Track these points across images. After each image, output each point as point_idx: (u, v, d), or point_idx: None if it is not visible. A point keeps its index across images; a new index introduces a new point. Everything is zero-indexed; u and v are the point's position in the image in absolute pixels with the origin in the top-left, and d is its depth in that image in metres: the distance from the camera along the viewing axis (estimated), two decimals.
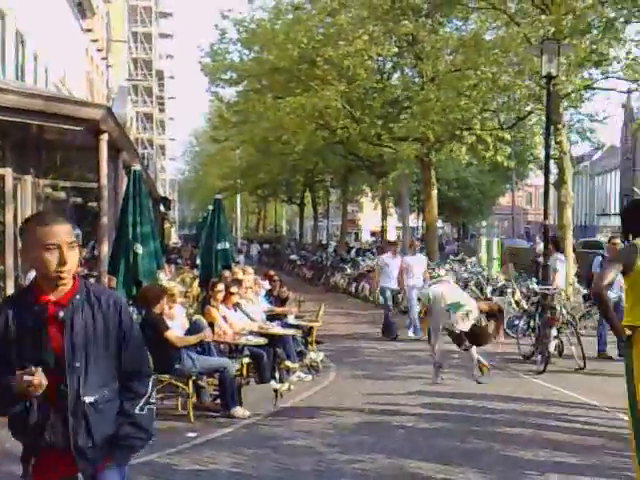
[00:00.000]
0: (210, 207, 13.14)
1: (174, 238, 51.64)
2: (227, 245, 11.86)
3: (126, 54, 43.95)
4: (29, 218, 2.99)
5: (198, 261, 13.10)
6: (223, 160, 40.76)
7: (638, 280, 4.88)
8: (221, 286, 9.33)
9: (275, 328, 9.81)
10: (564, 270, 12.93)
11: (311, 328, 11.15)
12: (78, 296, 2.84)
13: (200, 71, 26.09)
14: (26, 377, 2.66)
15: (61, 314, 2.79)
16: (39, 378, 2.66)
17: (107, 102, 29.25)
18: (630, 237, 5.11)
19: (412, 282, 13.97)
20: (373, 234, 60.15)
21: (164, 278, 11.34)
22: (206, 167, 51.34)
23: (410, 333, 13.85)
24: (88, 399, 2.81)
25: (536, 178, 43.32)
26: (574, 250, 18.80)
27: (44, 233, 2.75)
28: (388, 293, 14.43)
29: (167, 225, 35.10)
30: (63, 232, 2.78)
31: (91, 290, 2.91)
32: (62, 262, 2.75)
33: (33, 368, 2.68)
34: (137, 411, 2.94)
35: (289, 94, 21.29)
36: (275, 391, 8.40)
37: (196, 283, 13.19)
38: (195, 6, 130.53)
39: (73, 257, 2.79)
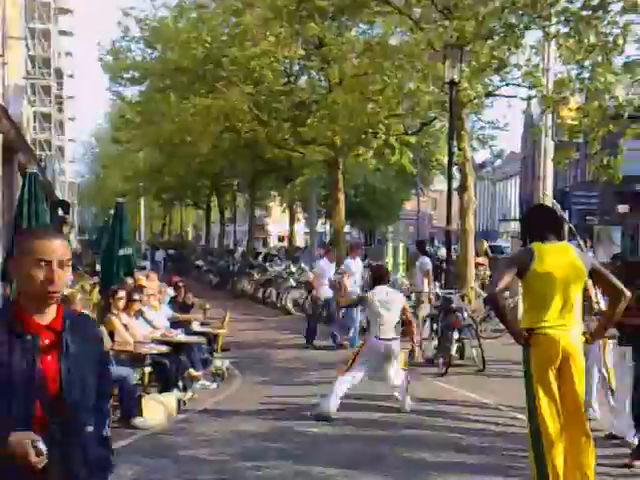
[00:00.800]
0: (112, 211, 12.75)
1: (74, 243, 50.06)
2: (130, 251, 11.51)
3: (23, 51, 42.25)
4: (24, 230, 2.76)
5: (98, 267, 12.68)
6: (125, 162, 39.78)
7: (533, 284, 4.98)
8: (122, 293, 9.04)
9: (179, 336, 9.58)
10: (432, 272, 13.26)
11: (217, 335, 10.96)
12: (67, 320, 2.59)
13: (101, 69, 25.43)
14: (33, 449, 2.35)
15: (62, 340, 2.53)
16: (42, 458, 2.38)
17: (2, 101, 28.06)
18: (528, 241, 5.22)
19: (353, 288, 13.29)
20: (281, 239, 60.11)
21: None
22: (108, 170, 50.03)
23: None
24: (89, 428, 2.62)
25: (440, 184, 44.33)
26: (486, 254, 19.31)
27: (37, 246, 2.51)
28: (321, 300, 13.81)
29: (66, 230, 33.92)
30: (57, 247, 2.53)
31: (70, 312, 2.69)
32: (50, 280, 2.49)
33: (43, 447, 2.37)
34: (105, 433, 2.77)
35: (194, 95, 20.96)
36: (178, 400, 8.21)
37: (96, 290, 12.76)
38: (96, 3, 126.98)
39: (63, 276, 2.54)
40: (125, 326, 8.76)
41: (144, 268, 20.70)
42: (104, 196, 51.13)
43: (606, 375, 7.43)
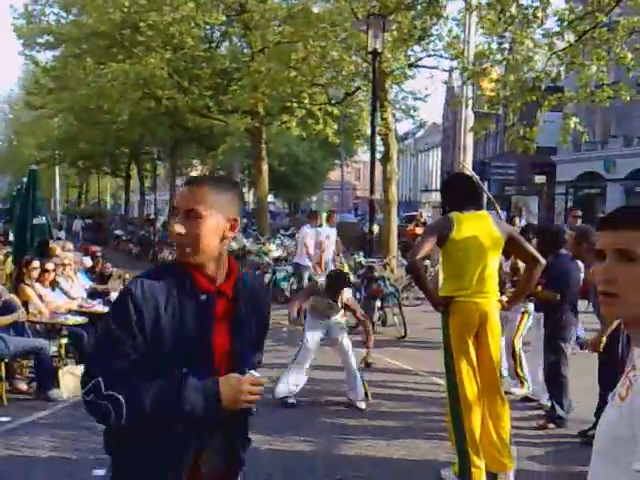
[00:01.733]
0: (25, 179, 12.28)
1: None
2: (43, 220, 11.13)
3: None
4: None
5: (12, 237, 12.23)
6: (40, 129, 38.41)
7: (452, 252, 5.02)
8: (36, 263, 8.76)
9: (96, 306, 9.35)
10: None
11: None
12: (241, 285, 2.32)
13: (13, 33, 24.33)
14: (252, 378, 2.14)
15: (234, 308, 2.27)
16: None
17: None
18: (447, 210, 5.27)
19: (328, 257, 12.90)
20: None
21: None
22: (21, 137, 48.27)
23: None
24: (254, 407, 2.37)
25: (363, 154, 44.65)
26: (425, 225, 19.59)
27: (176, 195, 2.29)
28: (307, 272, 13.11)
29: None
30: (184, 195, 2.23)
31: (247, 276, 2.39)
32: (171, 231, 2.22)
33: (255, 373, 2.16)
34: (253, 411, 2.50)
35: (111, 60, 20.34)
36: None
37: (10, 260, 12.32)
38: None
39: (191, 228, 2.19)
40: (40, 297, 8.51)
41: (60, 239, 20.12)
42: (18, 164, 49.35)
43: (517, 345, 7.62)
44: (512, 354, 7.52)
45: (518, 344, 7.54)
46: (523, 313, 7.44)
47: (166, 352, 2.15)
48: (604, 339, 5.57)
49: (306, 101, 19.18)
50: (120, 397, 2.10)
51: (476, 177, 8.28)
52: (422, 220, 20.53)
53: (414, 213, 39.05)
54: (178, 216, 2.22)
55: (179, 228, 2.20)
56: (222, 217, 2.23)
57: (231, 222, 2.26)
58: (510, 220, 16.43)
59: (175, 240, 2.22)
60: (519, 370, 7.50)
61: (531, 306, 7.35)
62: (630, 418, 1.44)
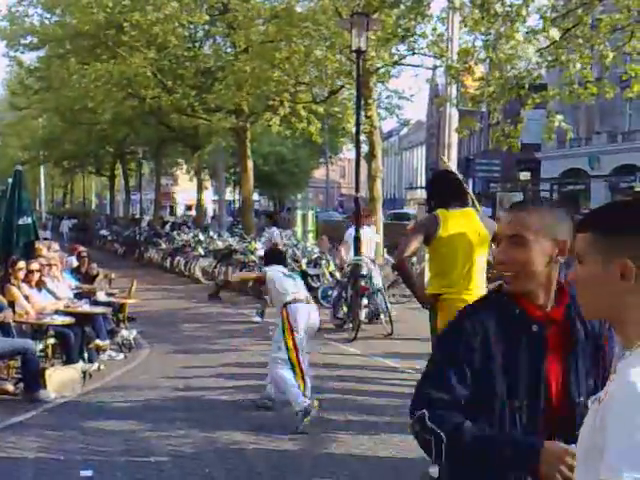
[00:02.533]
0: (10, 180, 12.25)
1: None
2: (29, 220, 11.11)
3: None
4: None
5: None
6: (24, 130, 38.22)
7: (439, 250, 5.04)
8: (22, 264, 8.73)
9: (83, 306, 9.34)
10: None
11: (122, 305, 10.74)
12: (572, 312, 2.12)
13: None
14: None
15: (567, 335, 2.09)
16: None
17: None
18: (433, 208, 5.29)
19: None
20: (189, 208, 59.31)
21: None
22: (6, 137, 48.01)
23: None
24: None
25: (348, 152, 44.69)
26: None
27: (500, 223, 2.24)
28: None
29: None
30: (513, 220, 2.14)
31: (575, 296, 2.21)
32: (496, 260, 2.17)
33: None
34: None
35: (95, 60, 20.29)
36: (84, 372, 8.03)
37: None
38: None
39: (516, 255, 2.09)
40: (26, 297, 8.48)
41: (46, 239, 20.04)
42: (3, 164, 49.10)
43: None
44: None
45: None
46: None
47: (496, 386, 2.06)
48: None
49: (288, 99, 19.19)
50: (442, 433, 2.02)
51: (455, 171, 8.33)
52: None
53: (402, 211, 39.26)
54: (502, 243, 2.16)
55: (503, 256, 2.14)
56: (549, 240, 2.11)
57: (560, 245, 2.12)
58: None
59: (500, 269, 2.16)
60: None
61: None
62: (601, 422, 1.46)
